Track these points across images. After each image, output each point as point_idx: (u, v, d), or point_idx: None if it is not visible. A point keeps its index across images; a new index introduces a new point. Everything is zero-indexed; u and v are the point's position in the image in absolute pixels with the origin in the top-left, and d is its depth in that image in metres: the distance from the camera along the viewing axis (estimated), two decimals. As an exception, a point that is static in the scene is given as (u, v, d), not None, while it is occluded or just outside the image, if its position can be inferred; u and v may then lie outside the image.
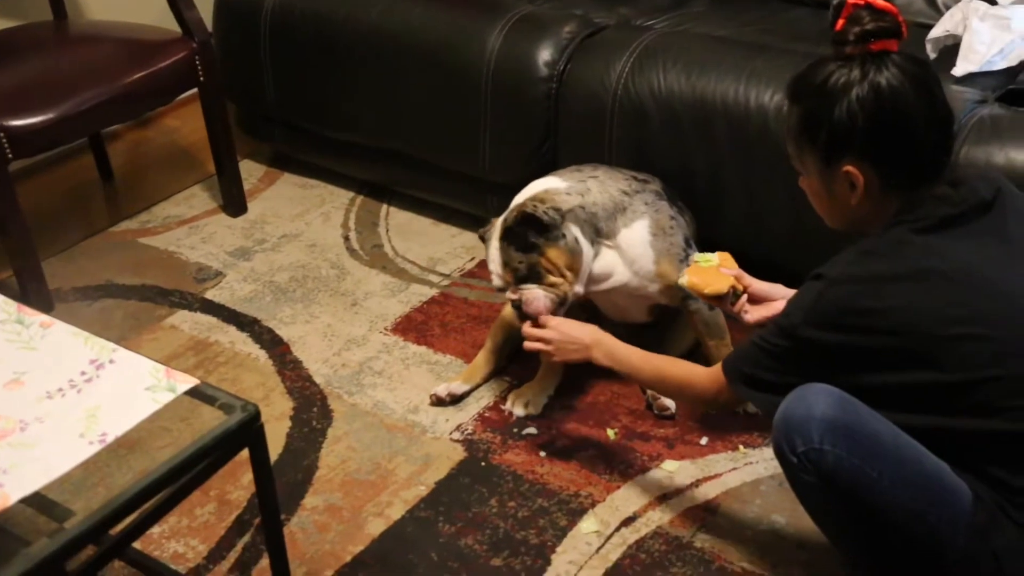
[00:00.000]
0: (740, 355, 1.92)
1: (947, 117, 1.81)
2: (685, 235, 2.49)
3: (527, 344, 2.31)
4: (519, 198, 2.44)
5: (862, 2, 1.76)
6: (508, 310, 2.67)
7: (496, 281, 2.39)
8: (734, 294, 2.17)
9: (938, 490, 1.71)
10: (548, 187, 2.42)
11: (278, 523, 1.94)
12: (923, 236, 1.75)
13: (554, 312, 2.33)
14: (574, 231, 2.34)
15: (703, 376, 2.02)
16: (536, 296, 2.33)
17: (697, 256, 2.27)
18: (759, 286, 2.20)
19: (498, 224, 2.38)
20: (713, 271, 2.20)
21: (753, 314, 2.18)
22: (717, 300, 2.18)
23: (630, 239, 2.42)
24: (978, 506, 1.70)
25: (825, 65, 1.79)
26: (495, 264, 2.37)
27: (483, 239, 2.44)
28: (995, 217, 1.78)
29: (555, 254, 2.33)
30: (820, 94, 1.78)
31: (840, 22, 1.78)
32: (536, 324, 2.30)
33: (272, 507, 1.88)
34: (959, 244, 1.74)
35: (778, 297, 2.20)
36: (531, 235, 2.32)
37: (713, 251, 2.27)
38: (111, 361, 1.83)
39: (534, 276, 2.33)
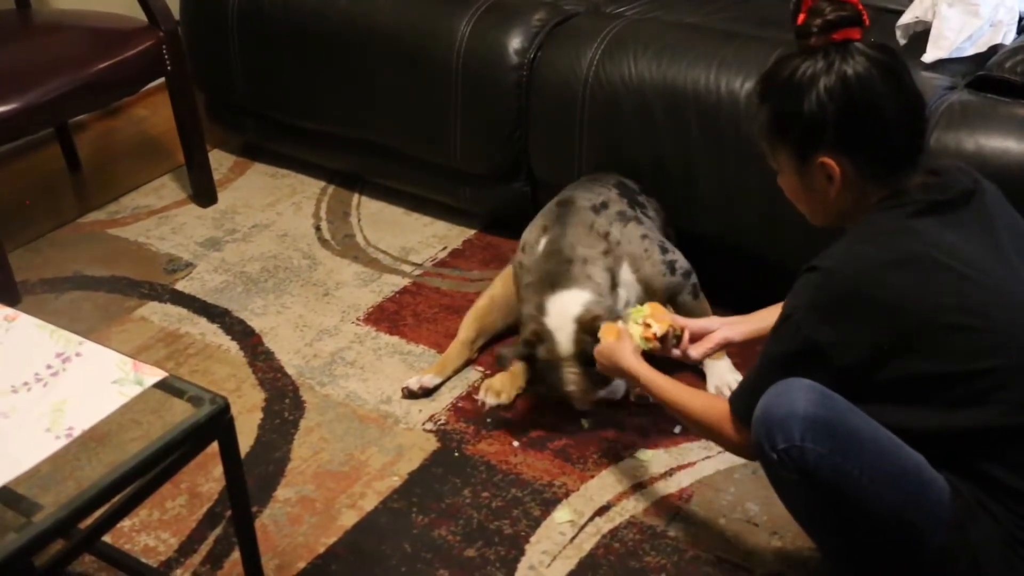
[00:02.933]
0: (745, 388, 1.85)
1: (917, 101, 1.80)
2: (660, 243, 2.50)
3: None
4: (554, 311, 2.37)
5: None
6: (483, 302, 2.70)
7: (579, 398, 2.42)
8: (674, 335, 2.23)
9: (917, 485, 1.70)
10: (585, 303, 2.37)
11: (249, 516, 1.93)
12: (915, 220, 1.74)
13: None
14: None
15: (728, 425, 1.91)
16: (618, 389, 2.46)
17: (631, 310, 2.30)
18: (694, 324, 2.26)
19: (564, 351, 2.35)
20: (652, 317, 2.24)
21: (696, 349, 2.23)
22: (659, 342, 2.22)
23: (624, 284, 2.47)
24: (956, 500, 1.70)
25: (790, 60, 1.79)
26: (576, 387, 2.39)
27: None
28: (978, 207, 1.78)
29: None
30: (788, 89, 1.78)
31: (801, 16, 1.78)
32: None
33: (242, 500, 1.87)
34: (949, 231, 1.73)
35: (715, 327, 2.24)
36: None
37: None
38: (77, 354, 1.81)
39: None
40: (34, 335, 1.87)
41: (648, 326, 2.21)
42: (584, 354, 2.33)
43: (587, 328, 2.33)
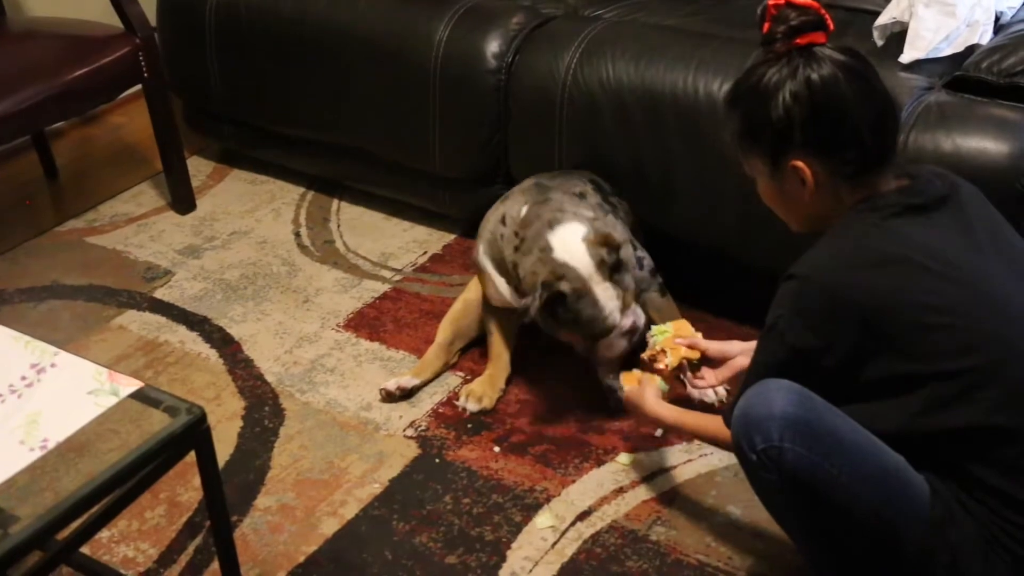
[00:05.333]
0: (736, 400, 1.85)
1: (886, 102, 1.82)
2: (630, 239, 2.48)
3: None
4: (559, 244, 2.33)
5: (782, 2, 1.80)
6: (458, 305, 2.69)
7: (618, 315, 2.35)
8: (690, 365, 2.22)
9: (897, 485, 1.70)
10: (585, 232, 2.34)
11: (228, 525, 1.92)
12: (891, 221, 1.75)
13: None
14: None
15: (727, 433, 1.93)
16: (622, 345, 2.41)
17: (654, 329, 2.30)
18: (715, 346, 2.24)
19: (587, 271, 2.30)
20: (668, 343, 2.23)
21: (712, 377, 2.22)
22: (676, 371, 2.23)
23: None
24: (935, 500, 1.70)
25: (757, 68, 1.82)
26: (614, 301, 2.33)
27: (528, 304, 2.32)
28: (955, 209, 1.79)
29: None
30: (756, 95, 1.81)
31: (766, 24, 1.81)
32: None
33: (221, 509, 1.86)
34: (925, 232, 1.75)
35: (736, 353, 2.21)
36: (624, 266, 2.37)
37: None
38: (52, 365, 1.80)
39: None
40: (8, 346, 1.85)
41: (664, 353, 2.21)
42: (604, 265, 2.30)
43: (599, 242, 2.31)
